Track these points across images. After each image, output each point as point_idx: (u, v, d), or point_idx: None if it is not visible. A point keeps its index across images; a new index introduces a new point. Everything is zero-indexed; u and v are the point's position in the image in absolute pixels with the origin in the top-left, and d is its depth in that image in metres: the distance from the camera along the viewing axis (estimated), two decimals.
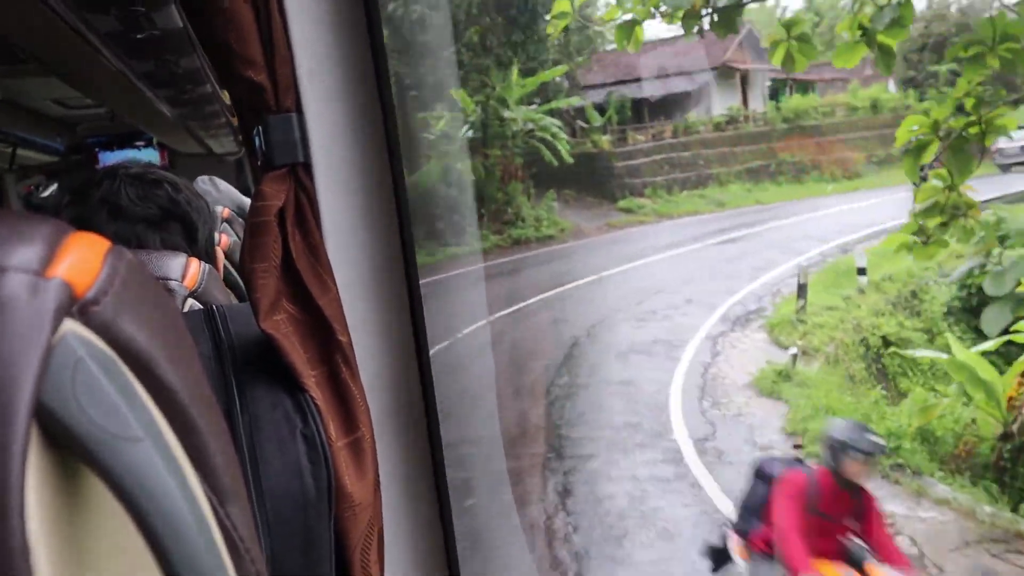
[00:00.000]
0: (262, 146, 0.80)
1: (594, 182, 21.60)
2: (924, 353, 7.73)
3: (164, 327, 0.31)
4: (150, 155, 3.70)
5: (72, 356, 0.26)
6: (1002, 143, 20.56)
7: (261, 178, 0.80)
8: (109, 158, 3.56)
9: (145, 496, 0.28)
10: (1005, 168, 20.04)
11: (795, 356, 8.64)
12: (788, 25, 5.99)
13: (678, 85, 24.71)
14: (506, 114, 18.63)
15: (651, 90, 24.73)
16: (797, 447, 7.01)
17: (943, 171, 7.38)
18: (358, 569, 0.82)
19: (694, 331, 10.93)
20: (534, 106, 19.71)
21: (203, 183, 2.31)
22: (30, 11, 1.23)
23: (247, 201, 1.97)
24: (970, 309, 11.57)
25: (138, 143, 3.82)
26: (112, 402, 0.27)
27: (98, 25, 1.42)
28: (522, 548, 5.63)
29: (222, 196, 2.30)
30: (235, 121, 2.49)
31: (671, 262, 15.43)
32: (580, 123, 22.31)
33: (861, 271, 11.90)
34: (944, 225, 6.76)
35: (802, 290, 10.63)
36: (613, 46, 29.03)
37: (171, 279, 1.08)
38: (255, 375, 0.80)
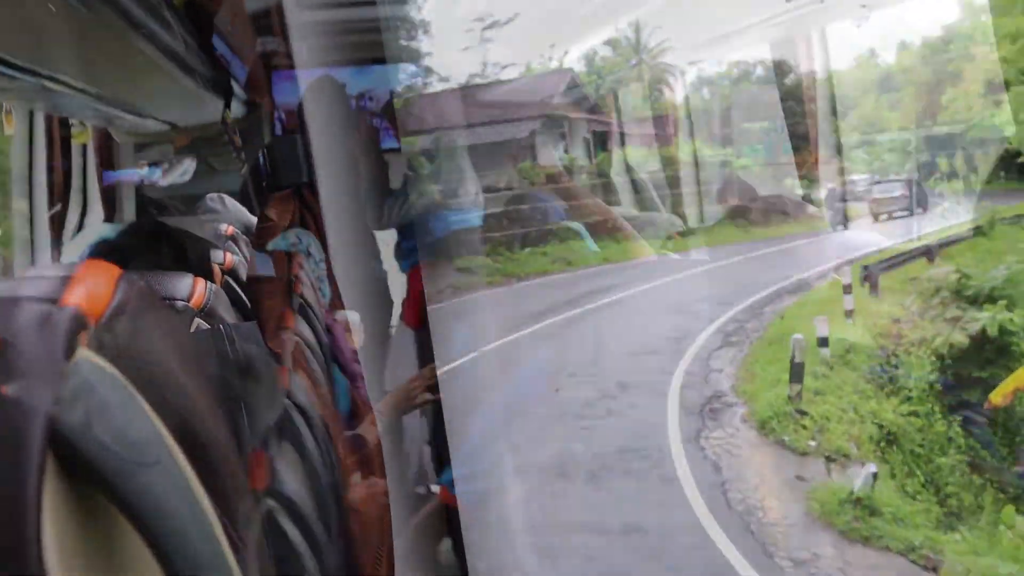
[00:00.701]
0: (266, 167, 0.83)
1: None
2: None
3: (173, 351, 0.31)
4: (153, 172, 3.43)
5: (86, 383, 0.26)
6: (876, 193, 20.44)
7: (267, 198, 0.79)
8: (111, 176, 3.24)
9: (158, 519, 0.27)
10: (876, 217, 19.72)
11: (875, 475, 6.10)
12: None
13: (507, 131, 22.48)
14: None
15: (477, 137, 22.29)
16: None
17: None
18: None
19: (662, 432, 8.14)
20: None
21: (212, 201, 2.32)
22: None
23: (254, 220, 1.92)
24: (948, 387, 9.90)
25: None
26: (125, 427, 0.27)
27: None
28: None
29: (230, 214, 2.25)
30: (237, 140, 2.30)
31: (559, 334, 12.69)
32: (407, 172, 19.24)
33: (822, 342, 9.82)
34: None
35: (798, 371, 8.26)
36: (442, 85, 26.45)
37: (178, 299, 1.08)
38: (262, 394, 0.76)
